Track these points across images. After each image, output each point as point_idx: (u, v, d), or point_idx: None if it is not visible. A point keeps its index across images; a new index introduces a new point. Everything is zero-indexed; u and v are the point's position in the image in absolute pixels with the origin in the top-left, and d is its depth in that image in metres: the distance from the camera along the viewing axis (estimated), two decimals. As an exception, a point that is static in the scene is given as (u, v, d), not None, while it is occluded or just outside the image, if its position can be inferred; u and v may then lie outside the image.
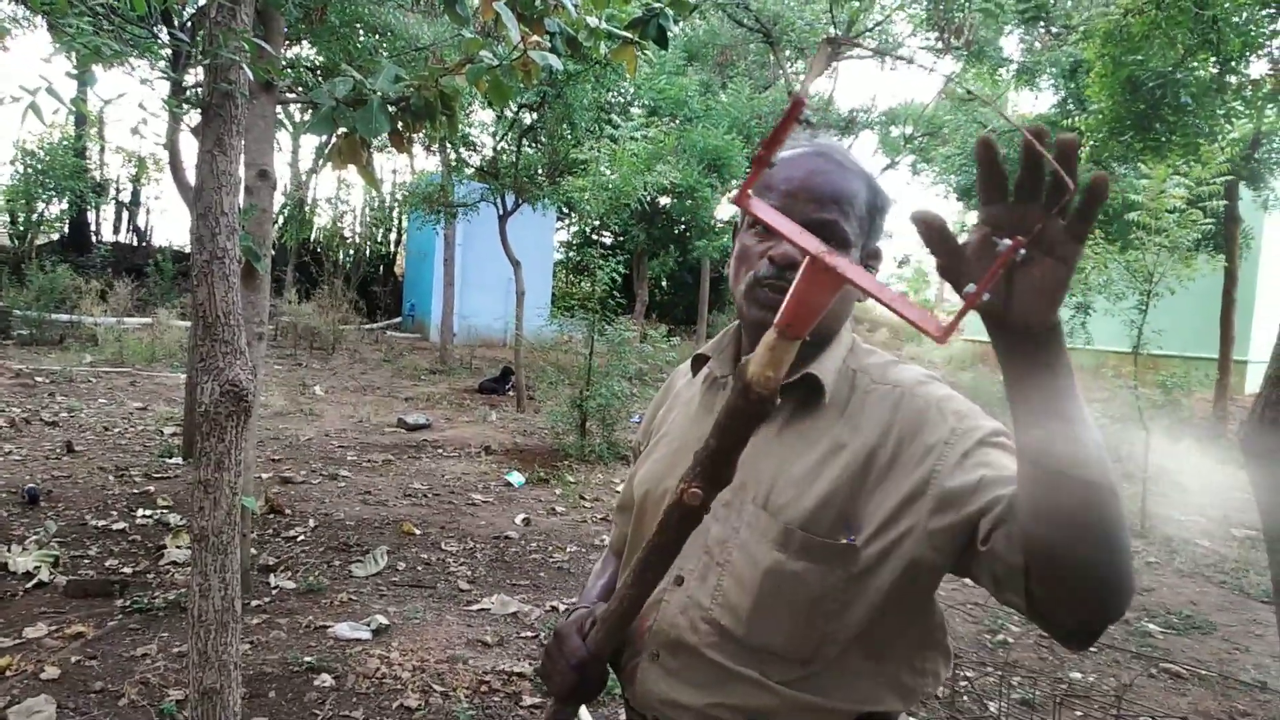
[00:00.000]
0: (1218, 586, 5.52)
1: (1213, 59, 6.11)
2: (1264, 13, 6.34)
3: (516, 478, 6.98)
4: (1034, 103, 13.08)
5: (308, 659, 3.51)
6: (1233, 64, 6.47)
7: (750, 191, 0.81)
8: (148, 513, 5.27)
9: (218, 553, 1.68)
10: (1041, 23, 6.47)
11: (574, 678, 1.11)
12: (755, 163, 0.79)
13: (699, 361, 1.28)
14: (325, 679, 3.39)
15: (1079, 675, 4.03)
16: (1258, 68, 8.25)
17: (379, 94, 3.39)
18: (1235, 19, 5.53)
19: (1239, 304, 11.83)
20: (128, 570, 4.37)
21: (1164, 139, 6.43)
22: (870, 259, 1.18)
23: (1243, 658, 4.39)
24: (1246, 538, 6.38)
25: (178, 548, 4.73)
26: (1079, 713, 3.62)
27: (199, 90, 1.80)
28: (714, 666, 1.09)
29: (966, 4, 5.96)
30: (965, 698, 3.67)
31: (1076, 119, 9.18)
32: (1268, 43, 6.94)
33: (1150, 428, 7.37)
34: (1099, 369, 12.33)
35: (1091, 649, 4.35)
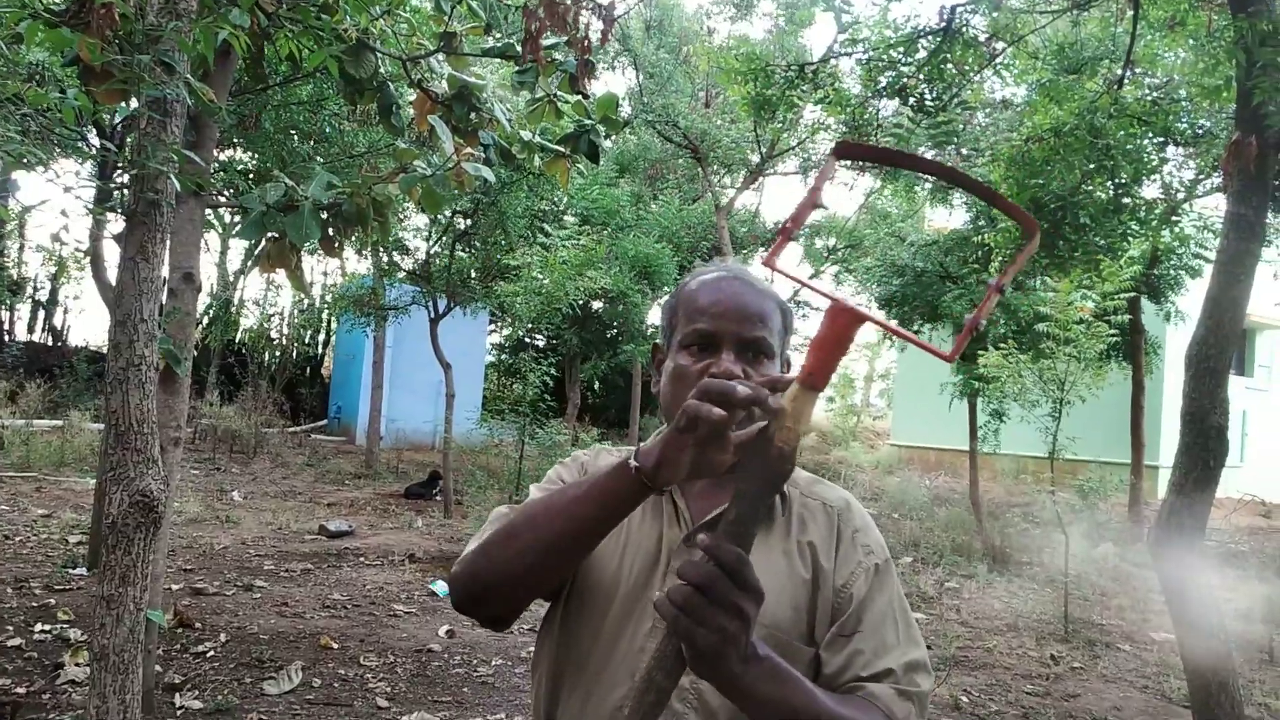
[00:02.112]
0: (1140, 691, 5.58)
1: (1108, 183, 6.55)
2: (1153, 141, 6.84)
3: (441, 587, 6.79)
4: (948, 219, 13.73)
5: (211, 786, 3.31)
6: (1127, 188, 6.93)
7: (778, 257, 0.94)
8: (46, 627, 4.97)
9: (118, 673, 1.60)
10: (952, 146, 6.88)
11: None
12: (782, 233, 0.91)
13: None
14: (229, 807, 3.19)
15: (1008, 785, 4.00)
16: (1150, 191, 8.84)
17: (311, 200, 3.42)
18: (1128, 146, 5.94)
19: (1148, 411, 12.33)
20: (21, 690, 4.09)
21: (1067, 256, 6.82)
22: (786, 366, 1.30)
23: (1166, 764, 4.42)
24: (1165, 640, 6.49)
25: (76, 665, 4.45)
26: (1009, 825, 3.59)
27: (124, 196, 1.81)
28: None
29: (878, 130, 6.32)
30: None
31: (986, 235, 9.66)
32: (1158, 169, 7.46)
33: (1069, 532, 7.54)
34: (1019, 474, 12.64)
35: (1019, 758, 4.33)
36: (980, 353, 8.74)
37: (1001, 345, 8.43)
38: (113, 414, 1.60)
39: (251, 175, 7.03)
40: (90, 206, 2.62)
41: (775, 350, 1.22)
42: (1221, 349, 3.13)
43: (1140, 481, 11.36)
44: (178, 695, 4.19)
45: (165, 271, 4.31)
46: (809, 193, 0.94)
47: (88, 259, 7.80)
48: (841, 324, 0.86)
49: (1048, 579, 8.42)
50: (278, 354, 20.09)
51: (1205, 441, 3.05)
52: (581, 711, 1.18)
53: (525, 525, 1.13)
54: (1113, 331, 7.49)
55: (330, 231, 3.80)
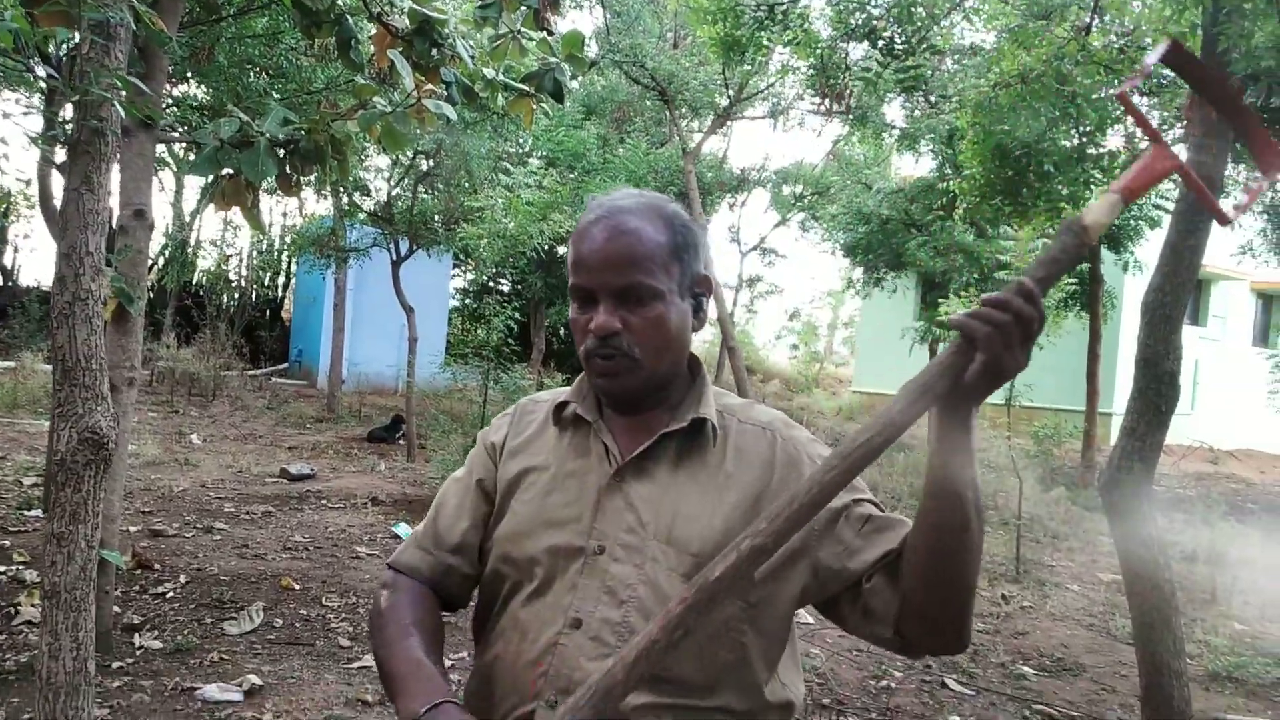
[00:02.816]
0: (1086, 629, 5.77)
1: (1073, 131, 6.57)
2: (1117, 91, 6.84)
3: (404, 529, 6.80)
4: (914, 166, 13.73)
5: (172, 724, 3.32)
6: (1092, 136, 6.96)
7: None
8: (1, 569, 4.92)
9: (70, 610, 1.58)
10: (920, 92, 6.85)
11: None
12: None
13: (560, 410, 1.29)
14: (191, 745, 3.20)
15: (958, 719, 4.14)
16: (1114, 141, 8.88)
17: (267, 136, 3.33)
18: (1094, 95, 5.94)
19: (1103, 360, 12.57)
20: (-26, 632, 4.05)
21: (1030, 203, 6.86)
22: (697, 288, 1.25)
23: (1109, 698, 4.58)
24: (1112, 581, 6.69)
25: (32, 606, 4.41)
26: (957, 756, 3.71)
27: (67, 127, 1.74)
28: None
29: (844, 73, 6.27)
30: (850, 744, 3.72)
31: (951, 182, 9.69)
32: (1122, 118, 7.48)
33: (1024, 477, 7.71)
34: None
35: (969, 692, 4.48)
36: (941, 300, 8.82)
37: (963, 293, 8.51)
38: (59, 349, 1.56)
39: (206, 111, 6.82)
40: (33, 136, 2.53)
41: (660, 288, 1.18)
42: (1177, 296, 3.18)
43: (1094, 428, 11.61)
44: (137, 635, 4.18)
45: (116, 207, 4.19)
46: (1129, 78, 1.16)
47: (37, 197, 7.57)
48: (1161, 167, 1.02)
49: (1001, 522, 8.62)
50: (236, 296, 19.75)
51: (1158, 386, 3.11)
52: (518, 648, 1.18)
53: (382, 658, 1.26)
54: (1071, 280, 7.58)
55: (288, 169, 3.71)
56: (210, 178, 3.58)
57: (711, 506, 1.17)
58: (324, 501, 7.67)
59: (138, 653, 4.00)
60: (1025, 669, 4.90)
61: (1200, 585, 6.71)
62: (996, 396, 8.35)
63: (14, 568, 4.96)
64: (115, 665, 3.81)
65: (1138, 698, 4.54)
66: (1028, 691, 4.54)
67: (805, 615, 4.60)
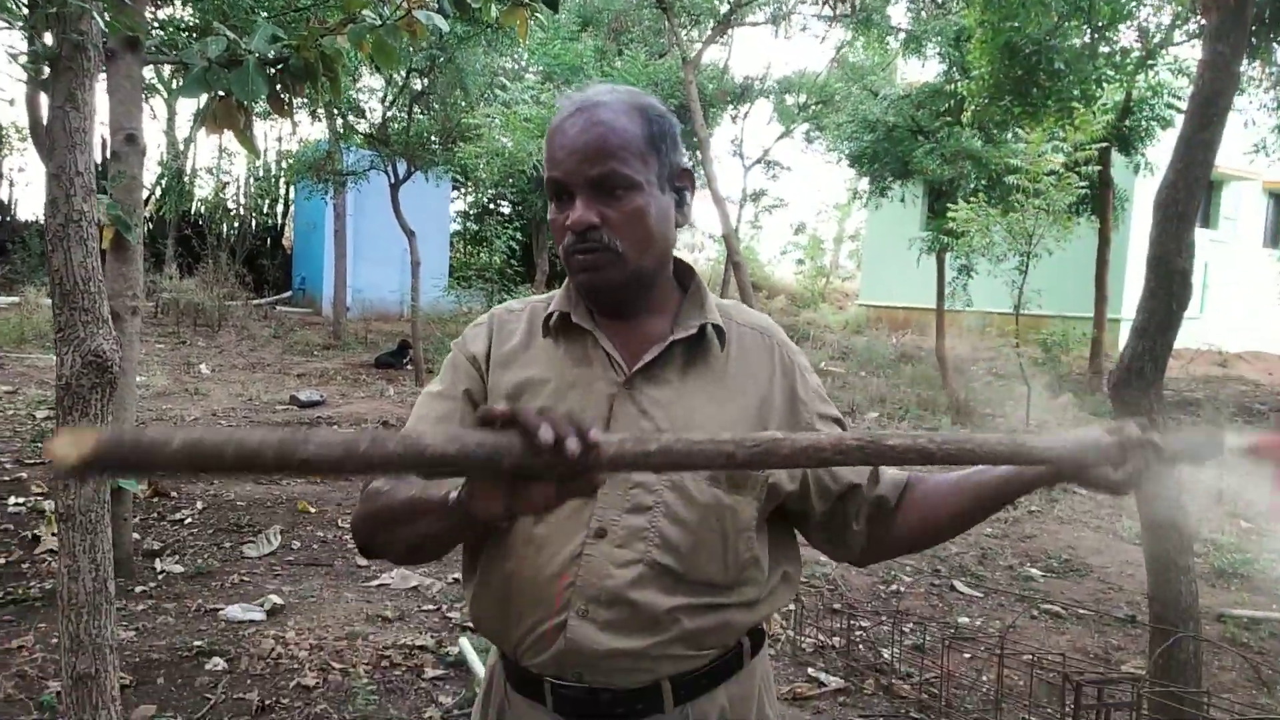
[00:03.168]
0: (1093, 531, 5.84)
1: (1085, 27, 6.38)
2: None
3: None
4: (921, 70, 13.41)
5: (197, 643, 3.39)
6: (1104, 32, 6.76)
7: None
8: (19, 500, 4.99)
9: (86, 532, 1.59)
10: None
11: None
12: None
13: (549, 319, 1.23)
14: (217, 662, 3.28)
15: (966, 620, 4.21)
16: (1128, 36, 8.64)
17: (255, 55, 3.23)
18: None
19: (1113, 265, 12.45)
20: (0, 561, 4.13)
21: (1040, 104, 6.70)
22: (678, 181, 1.22)
23: (1116, 596, 4.66)
24: (1118, 484, 6.73)
25: (53, 535, 4.49)
26: (967, 654, 3.79)
27: (45, 46, 1.68)
28: (653, 608, 1.12)
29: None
30: (860, 646, 3.80)
31: (959, 84, 9.46)
32: (1136, 13, 7.27)
33: (1031, 384, 7.71)
34: (984, 330, 12.85)
35: (977, 594, 4.55)
36: (950, 207, 8.70)
37: (972, 199, 8.39)
38: (55, 273, 1.53)
39: (193, 32, 6.65)
40: (13, 54, 2.45)
41: (637, 179, 1.14)
42: (1190, 193, 3.11)
43: (1103, 335, 11.58)
44: (158, 560, 4.26)
45: (107, 134, 4.11)
46: None
47: (28, 125, 7.44)
48: None
49: (1010, 430, 8.66)
50: (236, 225, 19.59)
51: (1169, 286, 3.07)
52: (536, 562, 1.14)
53: (390, 520, 1.09)
54: (1082, 183, 7.46)
55: (278, 88, 3.62)
56: (201, 101, 3.49)
57: (722, 411, 1.17)
58: (335, 427, 7.73)
59: (159, 577, 4.08)
60: (1033, 570, 4.98)
61: (1205, 485, 6.77)
62: (1005, 305, 8.30)
63: (32, 499, 5.03)
64: (138, 589, 3.89)
65: (1144, 595, 4.62)
66: (1035, 592, 4.62)
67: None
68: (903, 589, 4.55)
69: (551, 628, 1.13)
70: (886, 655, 3.69)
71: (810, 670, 3.58)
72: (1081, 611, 4.35)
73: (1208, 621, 3.84)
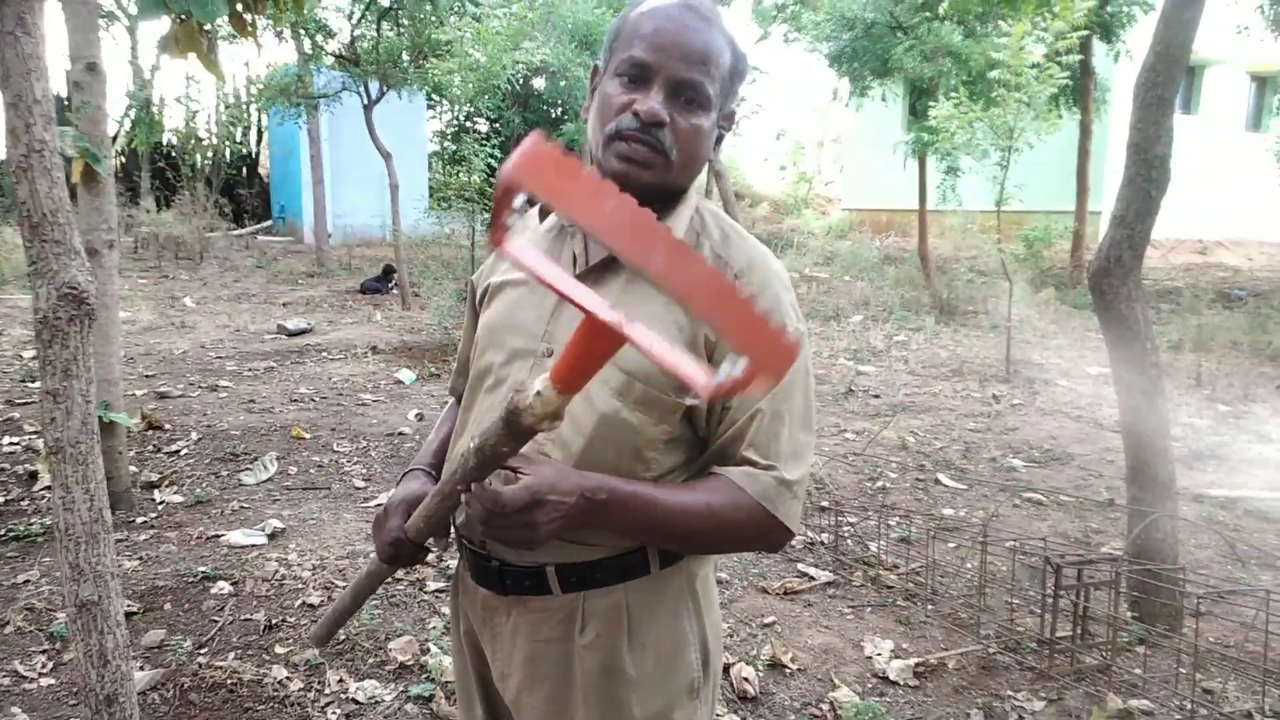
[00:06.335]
0: (1074, 421, 5.95)
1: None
2: None
3: (407, 375, 6.90)
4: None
5: (202, 569, 3.46)
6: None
7: (507, 222, 0.70)
8: (14, 440, 5.02)
9: (76, 463, 1.62)
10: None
11: (390, 552, 1.22)
12: (497, 207, 0.70)
13: (547, 210, 1.25)
14: (222, 586, 3.35)
15: (950, 511, 4.33)
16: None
17: (211, -28, 3.14)
18: None
19: (1094, 157, 12.37)
20: (0, 499, 4.18)
21: (1020, -7, 6.57)
22: (725, 120, 1.21)
23: (1096, 482, 4.78)
24: (1099, 374, 6.85)
25: (48, 472, 4.53)
26: (951, 544, 3.91)
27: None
28: None
29: None
30: (849, 540, 3.91)
31: (939, -23, 9.25)
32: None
33: (1014, 280, 7.74)
34: (966, 229, 12.82)
35: (961, 486, 4.66)
36: (930, 104, 8.58)
37: (953, 95, 8.27)
38: (22, 205, 1.52)
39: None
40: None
41: (713, 100, 1.12)
42: (1170, 76, 3.08)
43: (1084, 227, 11.58)
44: (157, 492, 4.31)
45: (67, 63, 4.00)
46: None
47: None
48: (601, 343, 0.77)
49: (992, 325, 8.74)
50: (210, 155, 19.22)
51: (1149, 172, 3.06)
52: (461, 437, 1.29)
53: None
54: (1063, 73, 7.36)
55: (239, 7, 3.52)
56: (163, 25, 3.39)
57: (658, 329, 1.09)
58: (324, 354, 7.75)
59: (159, 507, 4.14)
60: (1015, 461, 5.09)
61: (1186, 371, 6.88)
62: (987, 202, 8.26)
63: (26, 438, 5.06)
64: (139, 520, 3.95)
65: (1124, 480, 4.75)
66: (1017, 482, 4.73)
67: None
68: (889, 485, 4.65)
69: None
70: (874, 549, 3.80)
71: (800, 566, 3.68)
72: (1063, 498, 4.47)
73: (1185, 502, 3.96)
